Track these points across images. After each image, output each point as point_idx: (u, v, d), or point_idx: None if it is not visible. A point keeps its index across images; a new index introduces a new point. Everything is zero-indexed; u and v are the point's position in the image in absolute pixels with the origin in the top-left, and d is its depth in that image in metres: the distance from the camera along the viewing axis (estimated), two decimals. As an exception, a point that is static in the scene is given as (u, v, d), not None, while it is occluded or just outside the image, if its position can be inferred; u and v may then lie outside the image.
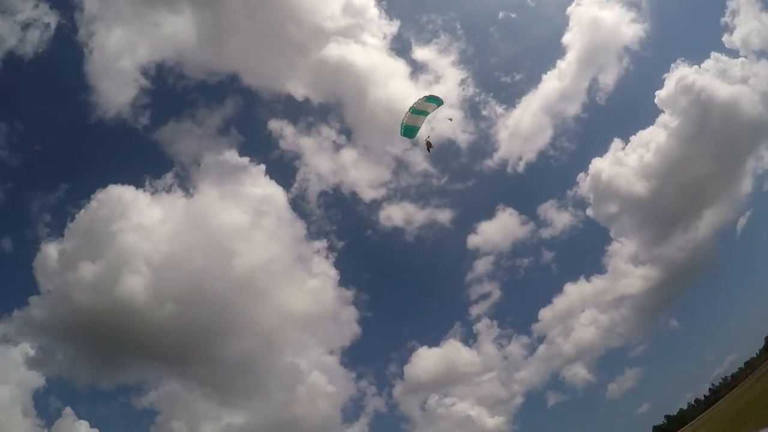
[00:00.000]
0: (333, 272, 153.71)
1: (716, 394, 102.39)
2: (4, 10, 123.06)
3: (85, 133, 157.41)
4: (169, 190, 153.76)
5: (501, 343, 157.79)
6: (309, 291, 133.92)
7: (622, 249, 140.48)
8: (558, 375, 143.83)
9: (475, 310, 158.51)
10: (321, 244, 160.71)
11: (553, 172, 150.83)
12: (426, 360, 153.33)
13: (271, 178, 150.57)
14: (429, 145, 30.70)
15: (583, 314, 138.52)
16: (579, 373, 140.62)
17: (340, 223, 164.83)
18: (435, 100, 30.75)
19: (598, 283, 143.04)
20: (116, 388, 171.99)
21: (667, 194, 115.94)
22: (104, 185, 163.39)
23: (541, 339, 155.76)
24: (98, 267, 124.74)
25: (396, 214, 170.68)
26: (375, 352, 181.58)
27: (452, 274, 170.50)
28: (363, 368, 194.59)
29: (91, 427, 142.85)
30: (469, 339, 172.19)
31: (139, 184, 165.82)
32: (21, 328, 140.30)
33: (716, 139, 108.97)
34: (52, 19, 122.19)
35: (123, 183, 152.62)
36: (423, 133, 31.12)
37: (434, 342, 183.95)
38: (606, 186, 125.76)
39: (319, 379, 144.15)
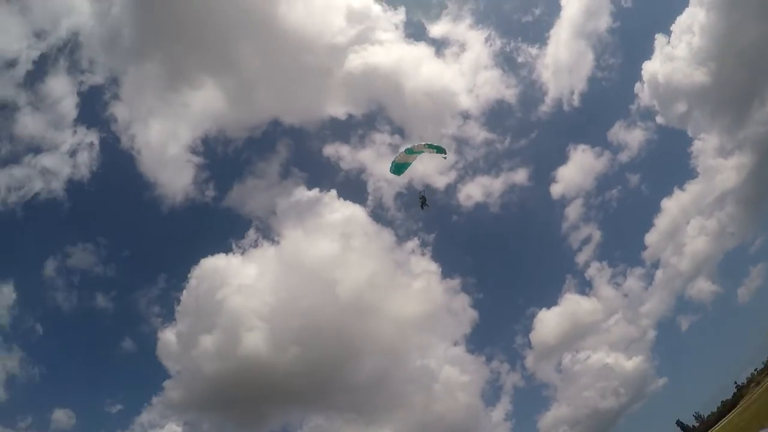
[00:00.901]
0: (433, 267, 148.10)
1: None
2: (50, 147, 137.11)
3: (164, 224, 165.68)
4: (255, 246, 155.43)
5: (617, 282, 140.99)
6: (416, 292, 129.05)
7: (706, 145, 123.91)
8: (683, 296, 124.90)
9: (581, 258, 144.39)
10: (413, 243, 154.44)
11: (608, 93, 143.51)
12: (548, 322, 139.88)
13: (345, 199, 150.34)
14: (423, 200, 30.13)
15: (689, 226, 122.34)
16: (703, 287, 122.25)
17: (424, 219, 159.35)
18: (436, 148, 31.02)
19: (693, 188, 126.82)
20: None
21: (730, 72, 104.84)
22: (197, 262, 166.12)
23: (655, 265, 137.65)
24: (216, 336, 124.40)
25: (474, 191, 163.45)
26: (497, 330, 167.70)
27: (547, 230, 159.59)
28: (490, 349, 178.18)
29: None
30: (585, 288, 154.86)
31: (227, 250, 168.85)
32: (163, 411, 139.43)
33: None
34: (93, 137, 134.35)
35: (213, 254, 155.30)
36: (416, 177, 31.67)
37: (551, 302, 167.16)
38: (666, 87, 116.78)
39: (451, 372, 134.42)
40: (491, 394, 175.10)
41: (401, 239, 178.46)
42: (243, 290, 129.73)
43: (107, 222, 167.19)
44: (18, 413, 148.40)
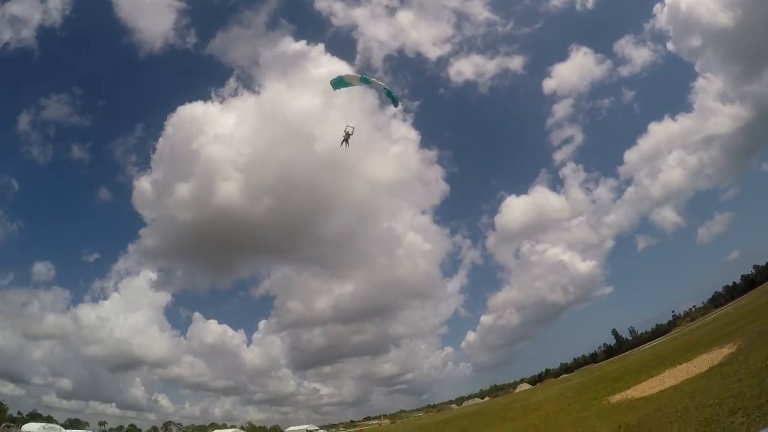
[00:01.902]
0: (413, 134, 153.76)
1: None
2: None
3: (141, 70, 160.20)
4: (235, 94, 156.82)
5: (588, 187, 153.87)
6: (393, 157, 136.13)
7: (709, 86, 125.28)
8: (647, 218, 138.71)
9: (559, 156, 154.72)
10: (395, 109, 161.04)
11: (625, 5, 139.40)
12: (515, 209, 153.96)
13: (332, 54, 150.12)
14: (347, 137, 28.87)
15: (670, 155, 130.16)
16: (668, 216, 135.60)
17: (410, 86, 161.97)
18: (391, 97, 29.38)
19: (684, 122, 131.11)
20: (234, 285, 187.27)
21: (754, 24, 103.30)
22: (173, 109, 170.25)
23: (628, 181, 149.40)
24: (191, 184, 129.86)
25: (465, 68, 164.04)
26: (465, 207, 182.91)
27: (532, 121, 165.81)
28: (455, 223, 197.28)
29: (219, 323, 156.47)
30: (556, 185, 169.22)
31: (205, 98, 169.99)
32: (139, 259, 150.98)
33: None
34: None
35: (190, 101, 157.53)
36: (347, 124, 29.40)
37: (522, 190, 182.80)
38: (686, 17, 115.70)
39: (416, 239, 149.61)
40: (450, 266, 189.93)
41: (385, 102, 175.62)
42: (220, 139, 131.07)
43: (82, 71, 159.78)
44: None
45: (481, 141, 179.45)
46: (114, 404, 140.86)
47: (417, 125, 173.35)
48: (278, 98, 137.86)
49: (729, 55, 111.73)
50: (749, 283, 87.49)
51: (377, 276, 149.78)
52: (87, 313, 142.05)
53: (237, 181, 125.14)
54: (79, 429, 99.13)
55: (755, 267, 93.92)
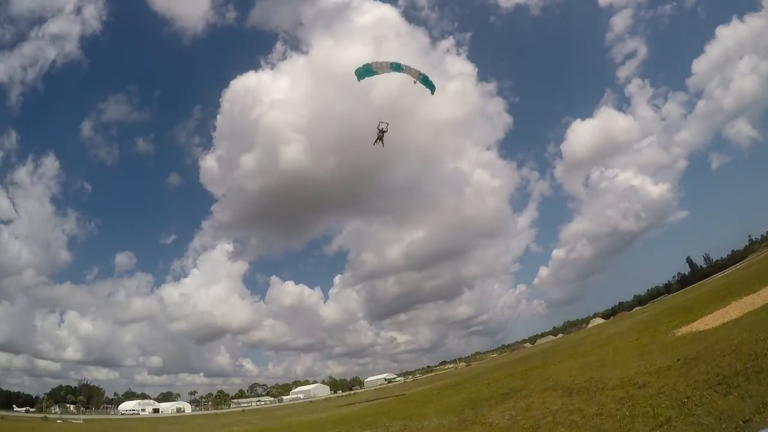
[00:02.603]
0: (469, 68, 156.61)
1: None
2: (52, 12, 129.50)
3: (188, 55, 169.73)
4: (284, 58, 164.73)
5: (656, 103, 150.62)
6: (452, 95, 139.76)
7: None
8: (720, 134, 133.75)
9: (622, 73, 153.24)
10: (448, 42, 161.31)
11: None
12: (582, 134, 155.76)
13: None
14: (381, 134, 26.86)
15: (741, 62, 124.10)
16: (743, 129, 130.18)
17: (460, 18, 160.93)
18: (428, 84, 26.71)
19: (754, 22, 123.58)
20: (308, 245, 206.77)
21: None
22: (226, 85, 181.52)
23: (698, 94, 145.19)
24: (255, 154, 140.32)
25: None
26: (530, 137, 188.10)
27: (591, 39, 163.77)
28: (522, 156, 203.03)
29: (296, 284, 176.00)
30: (623, 104, 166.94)
31: (255, 67, 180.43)
32: (214, 233, 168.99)
33: None
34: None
35: (241, 74, 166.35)
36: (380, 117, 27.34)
37: (587, 113, 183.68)
38: None
39: (483, 176, 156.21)
40: (519, 201, 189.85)
41: (436, 39, 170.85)
42: (276, 105, 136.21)
43: (132, 69, 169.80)
44: (84, 268, 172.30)
45: (540, 67, 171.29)
46: (202, 374, 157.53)
47: (472, 58, 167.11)
48: (327, 54, 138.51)
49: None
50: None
51: (447, 218, 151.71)
52: (170, 292, 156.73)
53: (299, 143, 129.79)
54: (172, 401, 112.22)
55: None
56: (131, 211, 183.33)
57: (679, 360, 13.18)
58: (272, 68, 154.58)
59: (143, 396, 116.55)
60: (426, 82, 26.73)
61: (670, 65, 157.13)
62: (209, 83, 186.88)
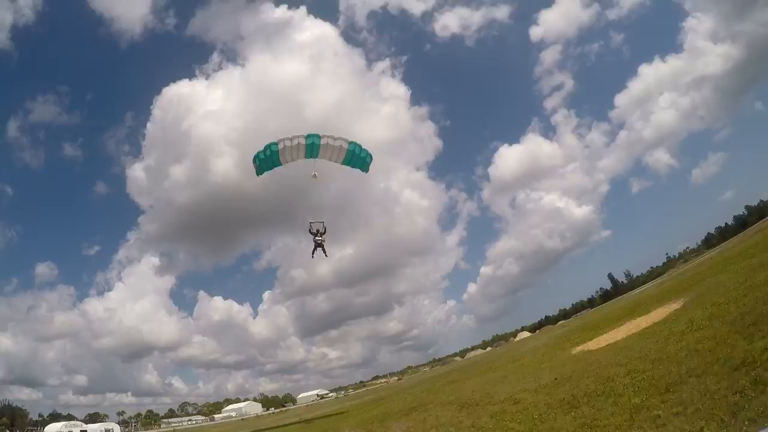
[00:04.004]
0: (403, 91, 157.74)
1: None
2: None
3: (124, 59, 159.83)
4: (219, 69, 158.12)
5: (580, 132, 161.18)
6: (385, 117, 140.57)
7: (699, 25, 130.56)
8: (640, 161, 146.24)
9: (549, 103, 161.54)
10: (384, 64, 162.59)
11: None
12: (509, 158, 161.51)
13: (315, 17, 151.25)
14: (320, 239, 23.90)
15: (661, 97, 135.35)
16: (661, 158, 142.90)
17: (397, 43, 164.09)
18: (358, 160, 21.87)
19: (674, 63, 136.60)
20: (236, 261, 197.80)
21: None
22: (158, 92, 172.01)
23: (620, 125, 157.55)
24: (185, 165, 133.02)
25: (451, 22, 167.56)
26: (459, 160, 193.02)
27: (521, 70, 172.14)
28: (451, 177, 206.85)
29: (225, 299, 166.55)
30: (549, 132, 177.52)
31: (190, 75, 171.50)
32: (140, 246, 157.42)
33: None
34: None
35: (174, 81, 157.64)
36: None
37: (514, 139, 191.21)
38: None
39: (412, 196, 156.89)
40: (448, 220, 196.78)
41: (372, 60, 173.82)
42: (209, 116, 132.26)
43: (64, 67, 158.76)
44: (1, 279, 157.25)
45: (471, 93, 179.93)
46: (130, 393, 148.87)
47: (406, 81, 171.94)
48: (264, 68, 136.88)
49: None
50: (741, 223, 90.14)
51: (377, 236, 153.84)
52: (94, 306, 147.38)
53: (231, 156, 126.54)
54: (99, 422, 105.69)
55: (747, 207, 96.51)
56: (54, 218, 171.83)
57: (556, 379, 14.66)
58: (207, 78, 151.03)
59: (70, 417, 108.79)
60: (354, 158, 22.19)
61: (594, 98, 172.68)
62: (142, 89, 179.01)
